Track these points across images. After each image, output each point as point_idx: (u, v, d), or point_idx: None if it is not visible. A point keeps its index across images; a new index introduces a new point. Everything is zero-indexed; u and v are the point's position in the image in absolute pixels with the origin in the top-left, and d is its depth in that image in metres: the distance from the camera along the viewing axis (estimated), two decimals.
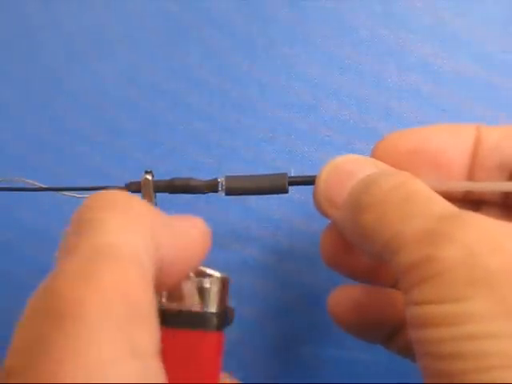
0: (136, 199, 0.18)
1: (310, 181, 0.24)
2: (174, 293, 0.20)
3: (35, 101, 0.34)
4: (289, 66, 0.33)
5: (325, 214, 0.23)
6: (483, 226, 0.17)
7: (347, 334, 0.25)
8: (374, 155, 0.24)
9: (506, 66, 0.32)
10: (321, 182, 0.22)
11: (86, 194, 0.27)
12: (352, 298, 0.25)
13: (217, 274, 0.21)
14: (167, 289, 0.20)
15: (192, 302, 0.20)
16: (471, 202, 0.24)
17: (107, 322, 0.15)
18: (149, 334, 0.16)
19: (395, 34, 0.32)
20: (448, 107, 0.32)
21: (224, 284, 0.21)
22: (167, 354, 0.17)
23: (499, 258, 0.17)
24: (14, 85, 0.34)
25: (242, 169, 0.33)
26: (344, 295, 0.25)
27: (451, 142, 0.23)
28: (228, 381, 0.22)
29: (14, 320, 0.32)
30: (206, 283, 0.21)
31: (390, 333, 0.25)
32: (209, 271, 0.21)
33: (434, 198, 0.19)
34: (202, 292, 0.21)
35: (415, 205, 0.19)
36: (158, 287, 0.17)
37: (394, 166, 0.22)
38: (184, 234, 0.19)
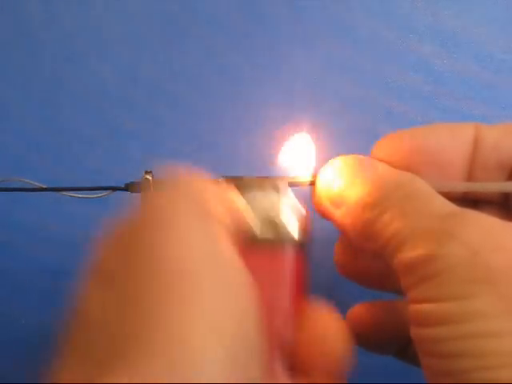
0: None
1: (310, 181, 0.24)
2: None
3: (35, 101, 0.34)
4: (289, 66, 0.33)
5: (325, 215, 0.23)
6: (485, 225, 0.17)
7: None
8: (373, 155, 0.24)
9: (506, 66, 0.32)
10: (322, 183, 0.22)
11: (86, 194, 0.27)
12: (367, 317, 0.25)
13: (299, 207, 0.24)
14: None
15: (270, 227, 0.23)
16: (470, 201, 0.24)
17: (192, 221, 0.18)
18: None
19: (395, 34, 0.32)
20: (448, 107, 0.32)
21: (300, 213, 0.24)
22: (257, 274, 0.19)
23: (501, 257, 0.17)
24: (14, 85, 0.34)
25: (242, 169, 0.33)
26: (360, 314, 0.25)
27: (450, 141, 0.23)
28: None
29: (14, 319, 0.32)
30: (285, 208, 0.23)
31: (404, 345, 0.25)
32: (291, 203, 0.24)
33: (435, 197, 0.19)
34: (281, 215, 0.23)
35: (416, 203, 0.19)
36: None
37: (394, 166, 0.22)
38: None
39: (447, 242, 0.17)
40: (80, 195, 0.27)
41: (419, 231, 0.18)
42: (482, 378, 0.16)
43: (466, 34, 0.32)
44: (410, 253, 0.18)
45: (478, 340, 0.16)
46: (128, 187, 0.27)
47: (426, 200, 0.19)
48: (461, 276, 0.16)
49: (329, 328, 0.22)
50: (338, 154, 0.23)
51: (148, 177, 0.26)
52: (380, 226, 0.19)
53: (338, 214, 0.22)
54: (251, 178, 0.26)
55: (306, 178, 0.24)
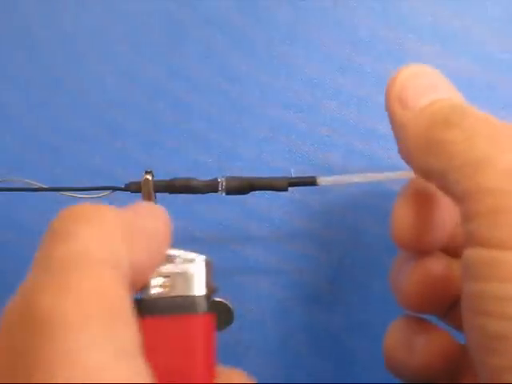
0: (107, 209, 0.18)
1: (309, 182, 0.24)
2: (158, 282, 0.20)
3: (35, 101, 0.34)
4: (289, 66, 0.33)
5: (391, 114, 0.21)
6: None
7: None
8: None
9: (505, 66, 0.32)
10: (397, 82, 0.21)
11: (86, 194, 0.27)
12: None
13: (199, 256, 0.20)
14: (143, 285, 0.20)
15: (177, 287, 0.20)
16: None
17: (90, 328, 0.15)
18: (130, 333, 0.16)
19: (395, 34, 0.32)
20: None
21: (208, 266, 0.21)
22: (156, 344, 0.18)
23: None
24: (13, 85, 0.34)
25: (242, 169, 0.33)
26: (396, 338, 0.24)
27: None
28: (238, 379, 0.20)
29: None
30: (190, 267, 0.20)
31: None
32: (190, 255, 0.20)
33: None
34: (186, 276, 0.20)
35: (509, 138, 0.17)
36: (135, 285, 0.18)
37: None
38: (153, 234, 0.19)
39: None
40: (80, 195, 0.27)
41: (507, 166, 0.16)
42: None
43: (466, 34, 0.32)
44: (489, 181, 0.16)
45: None
46: (128, 187, 0.27)
47: None
48: None
49: None
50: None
51: (148, 177, 0.26)
52: (462, 147, 0.18)
53: (405, 115, 0.20)
54: (252, 178, 0.26)
55: (306, 178, 0.24)
